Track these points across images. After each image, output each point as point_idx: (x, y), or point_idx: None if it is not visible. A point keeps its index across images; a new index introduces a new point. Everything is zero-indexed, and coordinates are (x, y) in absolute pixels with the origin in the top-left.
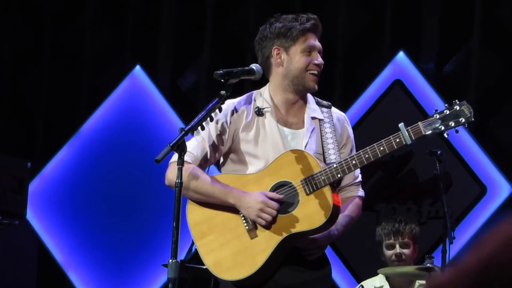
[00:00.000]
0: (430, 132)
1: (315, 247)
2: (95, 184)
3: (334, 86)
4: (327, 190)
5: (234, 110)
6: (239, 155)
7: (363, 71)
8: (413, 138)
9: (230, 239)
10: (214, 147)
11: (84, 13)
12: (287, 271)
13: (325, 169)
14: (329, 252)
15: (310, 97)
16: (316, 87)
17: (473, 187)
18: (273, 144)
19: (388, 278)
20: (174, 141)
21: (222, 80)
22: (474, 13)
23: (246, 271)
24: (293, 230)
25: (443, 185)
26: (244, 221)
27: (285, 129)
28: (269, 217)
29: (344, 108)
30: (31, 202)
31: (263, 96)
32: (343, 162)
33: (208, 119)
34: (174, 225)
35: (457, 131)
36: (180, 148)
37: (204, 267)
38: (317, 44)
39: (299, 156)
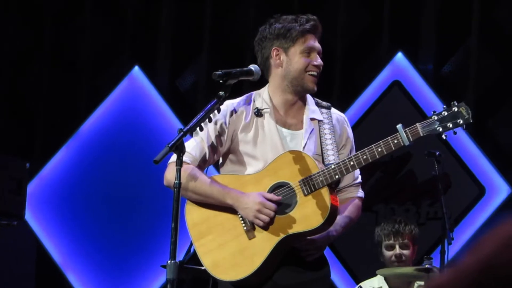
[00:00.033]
0: (428, 133)
1: (314, 248)
2: (94, 185)
3: (333, 87)
4: (325, 191)
5: (233, 111)
6: (238, 156)
7: (361, 72)
8: (411, 140)
9: (228, 240)
10: (213, 147)
11: (83, 14)
12: (285, 272)
13: (323, 170)
14: (327, 252)
15: (309, 98)
16: (315, 88)
17: (472, 188)
18: (272, 145)
19: (386, 279)
20: (172, 142)
21: (221, 81)
22: (472, 13)
23: (244, 272)
24: (291, 231)
25: (441, 186)
26: (242, 221)
27: (284, 130)
28: (266, 218)
29: (342, 109)
30: (30, 202)
31: (262, 97)
32: (341, 163)
33: (207, 119)
34: (173, 226)
35: (455, 133)
36: (179, 149)
37: (203, 268)
38: (317, 45)
39: (298, 157)
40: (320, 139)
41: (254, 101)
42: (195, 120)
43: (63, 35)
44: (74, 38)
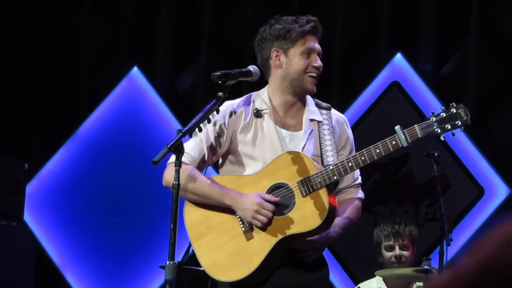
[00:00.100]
0: (426, 135)
1: (313, 249)
2: (93, 186)
3: (332, 88)
4: (323, 192)
5: (233, 112)
6: (237, 157)
7: (360, 73)
8: (409, 141)
9: (226, 240)
10: (212, 148)
11: (82, 15)
12: (284, 273)
13: (322, 171)
14: (326, 253)
15: (309, 99)
16: (315, 89)
17: (471, 189)
18: (271, 146)
19: (385, 280)
20: (171, 143)
21: (220, 82)
22: (471, 14)
23: (242, 273)
24: (289, 232)
25: (440, 187)
26: (240, 222)
27: (283, 131)
28: (264, 219)
29: (341, 109)
30: (29, 203)
31: (262, 98)
32: (339, 164)
33: (206, 120)
34: (172, 226)
35: (453, 134)
36: (178, 149)
37: (201, 268)
38: (317, 46)
39: (296, 158)
40: (320, 140)
41: (253, 102)
42: (194, 121)
43: (63, 36)
44: (73, 39)
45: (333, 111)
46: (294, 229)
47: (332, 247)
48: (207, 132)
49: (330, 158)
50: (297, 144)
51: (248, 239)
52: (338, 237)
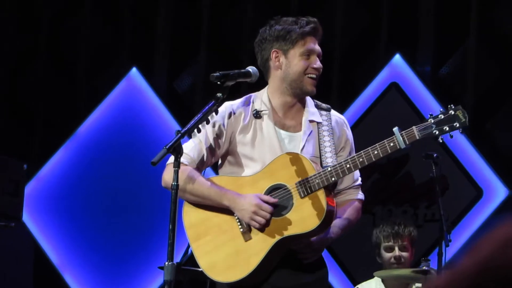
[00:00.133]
0: (424, 136)
1: (311, 250)
2: (92, 186)
3: (331, 89)
4: (321, 194)
5: (232, 113)
6: (236, 157)
7: (359, 74)
8: (407, 143)
9: (224, 241)
10: (211, 149)
11: (81, 15)
12: (283, 274)
13: (320, 172)
14: (325, 254)
15: (309, 100)
16: (314, 90)
17: (469, 190)
18: (270, 147)
19: (384, 281)
20: (170, 144)
21: (219, 83)
22: (470, 15)
23: (240, 274)
24: (287, 233)
25: (439, 188)
26: (238, 223)
27: (282, 132)
28: (262, 220)
29: (340, 110)
30: (27, 204)
31: (261, 99)
32: (337, 165)
33: (205, 121)
34: (170, 227)
35: (451, 136)
36: (176, 150)
37: (200, 269)
38: (317, 48)
39: (295, 159)
40: (319, 141)
41: (253, 103)
42: (192, 121)
43: (62, 36)
44: (72, 39)
45: (333, 112)
46: (292, 230)
47: (331, 248)
48: (206, 133)
49: (329, 159)
50: (296, 145)
51: (246, 240)
52: (337, 238)
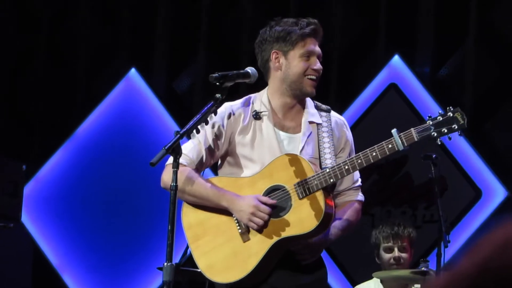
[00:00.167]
0: (422, 138)
1: (309, 251)
2: (90, 187)
3: (330, 90)
4: (319, 195)
5: (231, 113)
6: (235, 158)
7: (358, 75)
8: (406, 144)
9: (223, 242)
10: (210, 150)
11: (80, 16)
12: (282, 274)
13: (318, 173)
14: (323, 255)
15: (309, 101)
16: (314, 92)
17: (468, 191)
18: (269, 148)
19: (382, 282)
20: (169, 144)
21: (218, 83)
22: (469, 16)
23: (238, 274)
24: (284, 234)
25: (438, 188)
26: (237, 224)
27: (282, 133)
28: (260, 221)
29: (339, 111)
30: (26, 204)
31: (261, 100)
32: (335, 167)
33: (204, 122)
34: (169, 228)
35: (449, 138)
36: (175, 151)
37: (199, 270)
38: (317, 49)
39: (293, 160)
40: (318, 143)
41: (253, 104)
42: (191, 122)
43: (61, 37)
44: (71, 40)
45: (333, 113)
46: (290, 232)
47: (330, 249)
48: (206, 133)
49: (328, 160)
50: (296, 146)
51: (244, 241)
52: (337, 240)
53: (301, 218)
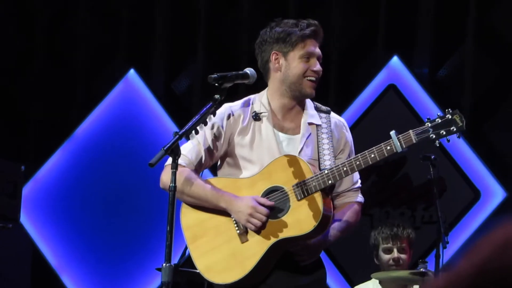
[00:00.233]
0: (421, 140)
1: (307, 252)
2: (89, 188)
3: (328, 91)
4: (318, 196)
5: (231, 114)
6: (234, 159)
7: (357, 76)
8: (404, 146)
9: (221, 243)
10: (209, 151)
11: (79, 16)
12: (281, 275)
13: (317, 175)
14: (322, 256)
15: (309, 102)
16: (314, 93)
17: (467, 192)
18: (268, 149)
19: (381, 283)
20: (168, 145)
21: (216, 84)
22: (468, 17)
23: (236, 275)
24: (282, 236)
25: (436, 189)
26: (235, 225)
27: (281, 135)
28: (258, 223)
29: (338, 112)
30: (25, 205)
31: (261, 101)
32: (334, 168)
33: (202, 123)
34: (168, 229)
35: (448, 140)
36: (174, 152)
37: (197, 271)
38: (317, 50)
39: (292, 161)
40: (318, 144)
41: (252, 105)
42: (190, 123)
43: (60, 37)
44: (70, 40)
45: (333, 114)
46: (288, 233)
47: (329, 250)
48: (205, 134)
49: (327, 162)
50: (295, 148)
51: (242, 242)
52: (335, 241)
53: (299, 219)
